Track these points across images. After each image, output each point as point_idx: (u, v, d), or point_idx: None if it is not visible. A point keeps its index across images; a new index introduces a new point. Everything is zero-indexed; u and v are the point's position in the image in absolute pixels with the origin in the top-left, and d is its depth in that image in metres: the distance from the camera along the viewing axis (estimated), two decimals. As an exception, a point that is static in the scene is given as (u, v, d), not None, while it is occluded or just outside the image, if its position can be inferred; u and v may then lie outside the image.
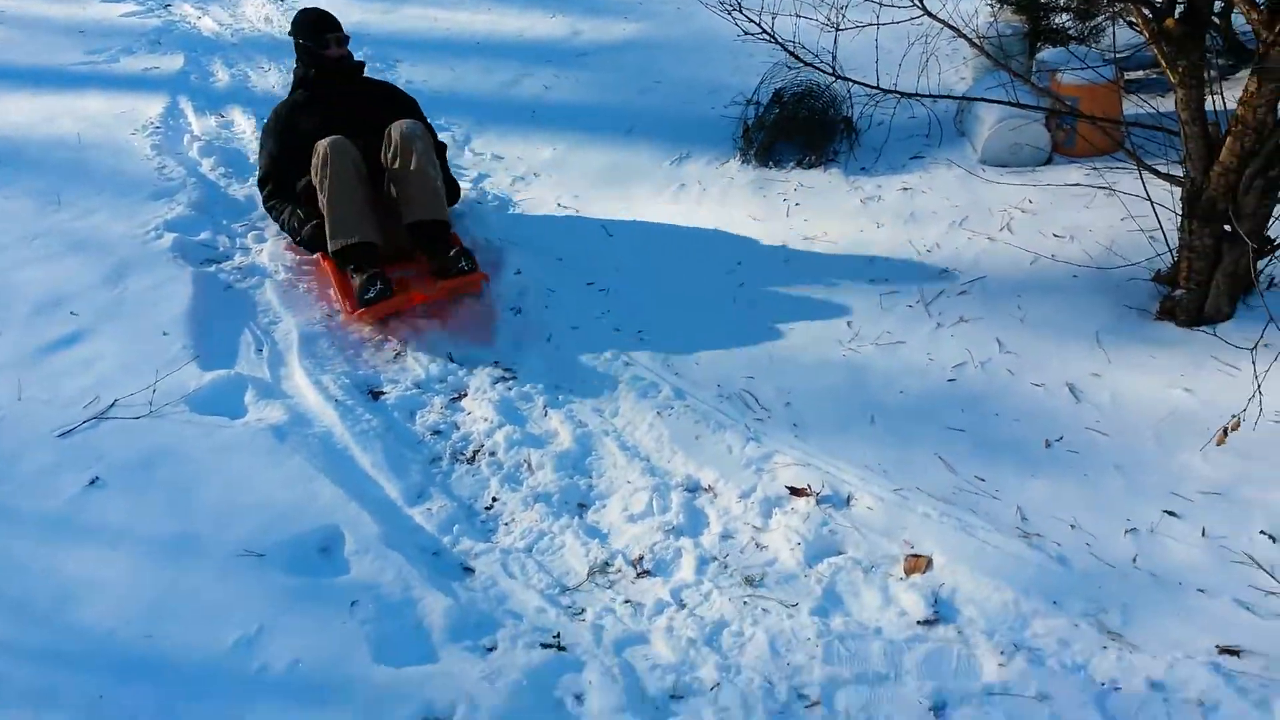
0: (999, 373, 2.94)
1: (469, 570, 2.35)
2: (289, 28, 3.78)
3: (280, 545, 2.34)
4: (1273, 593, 2.13)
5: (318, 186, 3.41)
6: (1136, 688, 1.93)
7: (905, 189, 4.00)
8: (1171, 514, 2.36)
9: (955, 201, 3.84)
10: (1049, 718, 1.89)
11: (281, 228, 3.68)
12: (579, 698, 1.97)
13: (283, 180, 3.64)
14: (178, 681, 2.00)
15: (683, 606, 2.23)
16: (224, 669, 2.02)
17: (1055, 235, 3.50)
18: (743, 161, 4.39)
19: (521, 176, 4.48)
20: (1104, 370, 2.87)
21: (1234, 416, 2.37)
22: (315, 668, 2.03)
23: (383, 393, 3.00)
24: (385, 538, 2.36)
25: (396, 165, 3.51)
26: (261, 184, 3.73)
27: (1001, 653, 2.03)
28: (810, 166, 4.30)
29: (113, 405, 2.83)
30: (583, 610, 2.22)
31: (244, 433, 2.72)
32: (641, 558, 2.37)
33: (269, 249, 3.76)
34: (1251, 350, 2.50)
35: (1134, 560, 2.24)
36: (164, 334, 3.17)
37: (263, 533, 2.36)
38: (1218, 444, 2.41)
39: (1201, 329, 2.95)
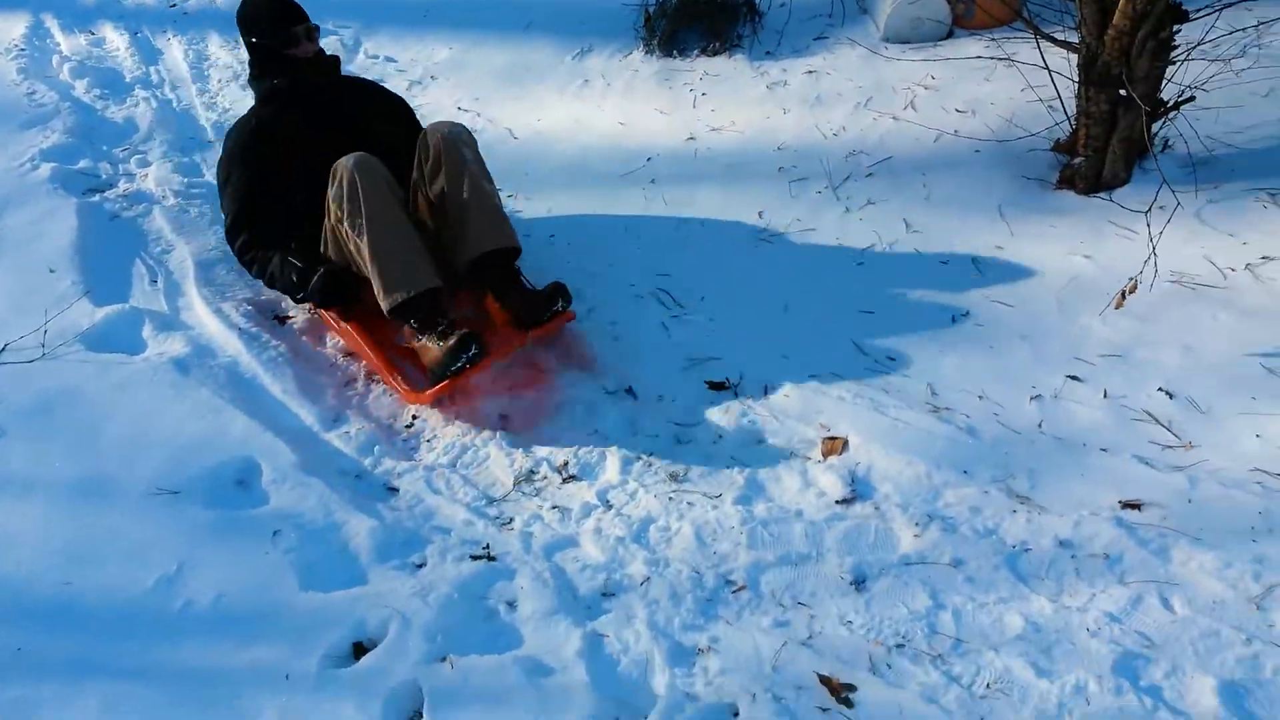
0: (906, 253, 2.98)
1: (393, 490, 2.33)
2: (237, 22, 2.85)
3: (194, 480, 2.28)
4: (1169, 446, 2.23)
5: (344, 225, 2.56)
6: (1045, 547, 2.03)
7: (810, 72, 3.95)
8: (1074, 378, 2.44)
9: (859, 82, 3.80)
10: (963, 582, 1.98)
11: (270, 283, 2.74)
12: (511, 604, 2.00)
13: (263, 221, 2.75)
14: (99, 627, 1.96)
15: (610, 507, 2.25)
16: (146, 609, 1.99)
17: (958, 110, 3.51)
18: (646, 52, 4.27)
19: (418, 80, 4.30)
20: (1007, 243, 2.92)
21: (1131, 279, 2.45)
22: (241, 600, 2.01)
23: (289, 317, 2.91)
24: (303, 465, 2.32)
25: (442, 184, 2.67)
26: (233, 231, 2.77)
27: (916, 524, 2.10)
28: (715, 54, 4.20)
29: (2, 350, 2.69)
30: (511, 520, 2.23)
31: (145, 368, 2.62)
32: (566, 463, 2.38)
33: (154, 173, 3.57)
34: (1146, 213, 2.57)
35: (1039, 426, 2.33)
36: (50, 271, 3.01)
37: (175, 469, 2.30)
38: (1116, 307, 2.49)
39: (1100, 195, 3.01)
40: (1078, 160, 3.07)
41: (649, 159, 3.63)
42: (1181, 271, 2.68)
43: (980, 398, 2.43)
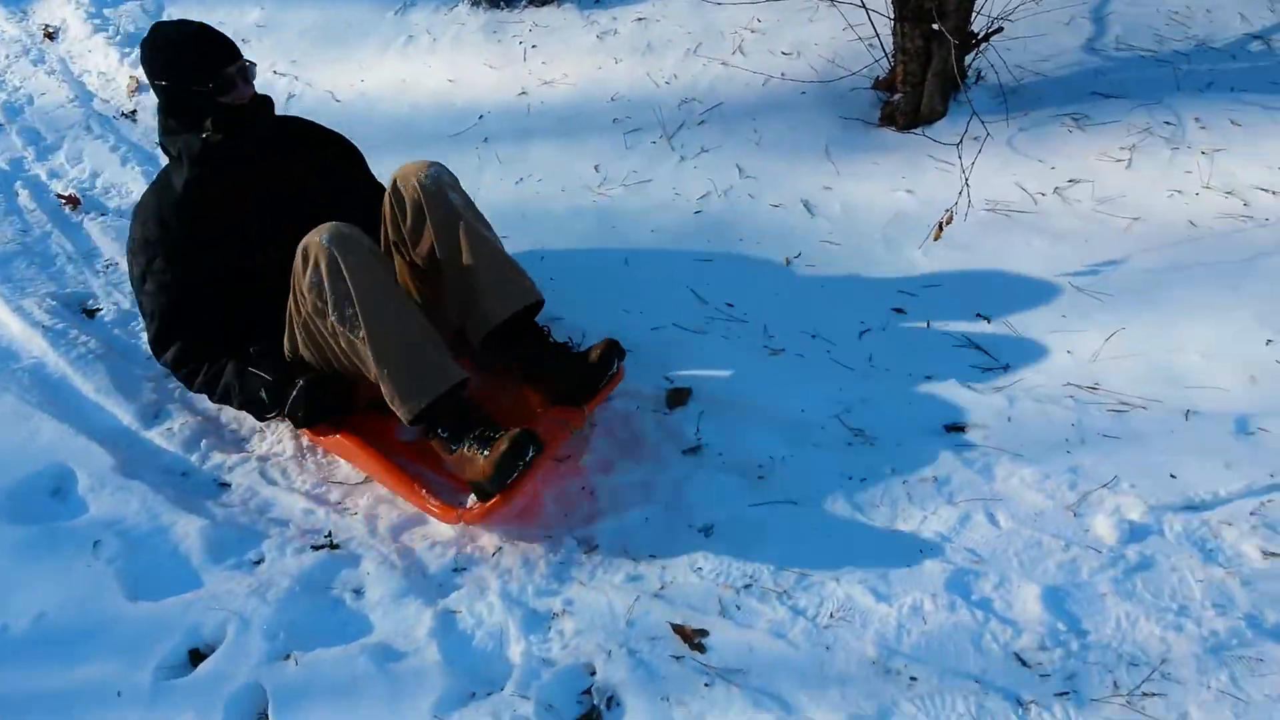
0: (740, 199, 3.01)
1: (224, 485, 2.22)
2: (142, 60, 2.20)
3: (3, 495, 2.12)
4: (988, 369, 2.34)
5: (328, 320, 2.02)
6: (879, 476, 2.10)
7: (640, 19, 3.90)
8: (899, 310, 2.53)
9: (689, 28, 3.79)
10: (804, 517, 2.03)
11: (222, 400, 2.22)
12: (358, 592, 1.94)
13: (203, 321, 2.21)
14: (-97, 666, 1.81)
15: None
16: (-43, 641, 1.85)
17: (784, 53, 3.54)
18: (472, 4, 4.13)
19: (228, 46, 4.05)
20: (834, 182, 2.99)
21: (946, 211, 2.54)
22: (64, 618, 1.88)
23: (98, 309, 2.72)
24: (122, 467, 2.18)
25: (430, 243, 2.17)
26: (163, 339, 2.22)
27: (760, 466, 2.15)
28: (544, 3, 4.10)
29: None
30: (354, 504, 2.17)
31: (-64, 380, 2.41)
32: (407, 437, 2.32)
33: (-67, 163, 3.26)
34: (957, 145, 2.66)
35: (870, 360, 2.40)
36: None
37: (-21, 486, 2.13)
38: (935, 239, 2.58)
39: (919, 130, 3.10)
40: (897, 97, 3.16)
41: (481, 117, 3.53)
42: (996, 200, 2.80)
43: (813, 336, 2.48)
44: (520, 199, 3.11)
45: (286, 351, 2.20)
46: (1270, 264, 2.49)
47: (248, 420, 2.36)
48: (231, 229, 2.20)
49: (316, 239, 2.00)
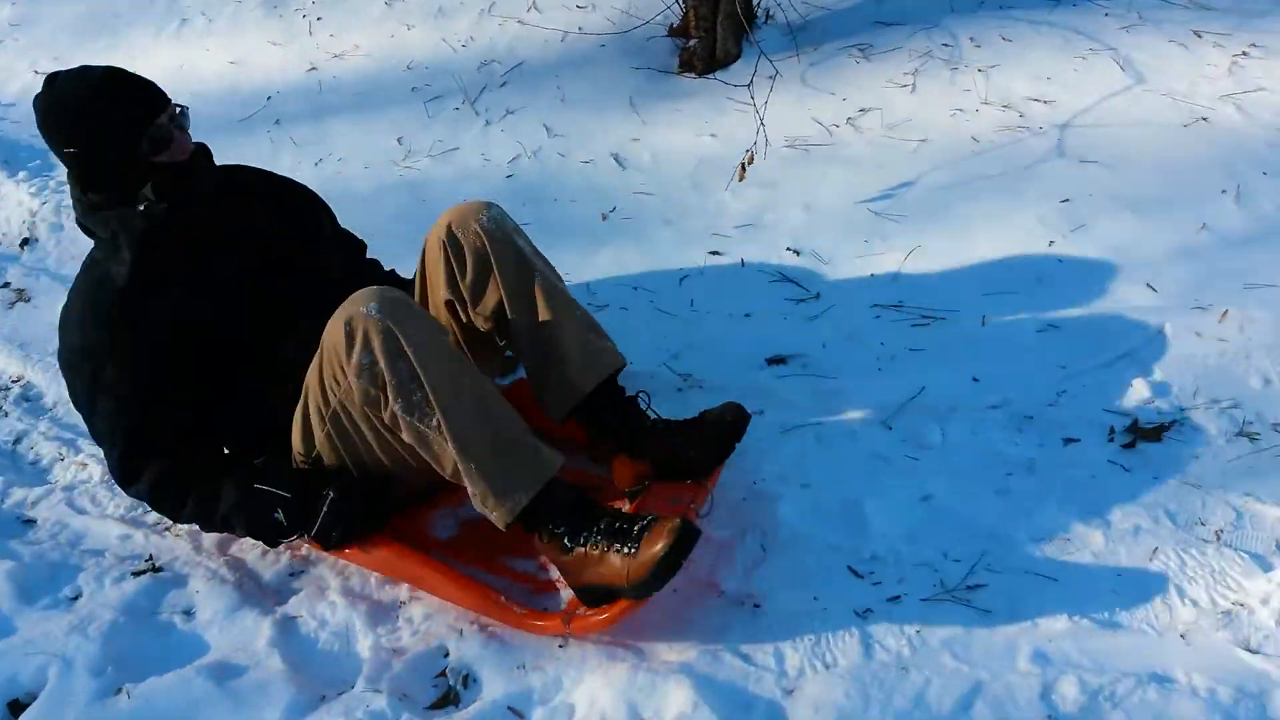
0: (551, 158, 2.98)
1: (29, 522, 2.06)
2: (42, 127, 1.72)
3: None
4: (801, 300, 2.42)
5: (388, 409, 1.63)
6: (711, 418, 2.14)
7: (427, -19, 3.78)
8: (715, 253, 2.58)
9: (479, -14, 3.70)
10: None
11: (223, 527, 1.82)
12: (188, 613, 1.84)
13: (179, 437, 1.79)
14: None
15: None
16: None
17: (579, 6, 3.52)
18: (246, -21, 3.91)
19: (-22, 46, 3.70)
20: (641, 133, 3.00)
21: (747, 151, 2.59)
22: None
23: None
24: (-95, 520, 2.00)
25: (499, 301, 1.83)
26: (130, 467, 1.78)
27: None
28: (324, -27, 3.92)
29: None
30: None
31: None
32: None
33: None
34: (748, 86, 2.71)
35: (691, 304, 2.44)
36: None
37: None
38: (739, 180, 2.63)
39: (716, 74, 3.15)
40: (692, 42, 3.19)
41: (269, 98, 3.36)
42: (795, 135, 2.88)
43: (635, 288, 2.50)
44: (321, 181, 2.93)
45: (298, 454, 1.81)
46: (1046, 170, 2.66)
47: (47, 449, 2.20)
48: (196, 314, 1.75)
49: (360, 310, 1.60)
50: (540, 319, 1.82)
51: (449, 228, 1.83)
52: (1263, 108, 2.78)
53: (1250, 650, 1.56)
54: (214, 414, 1.81)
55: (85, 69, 1.73)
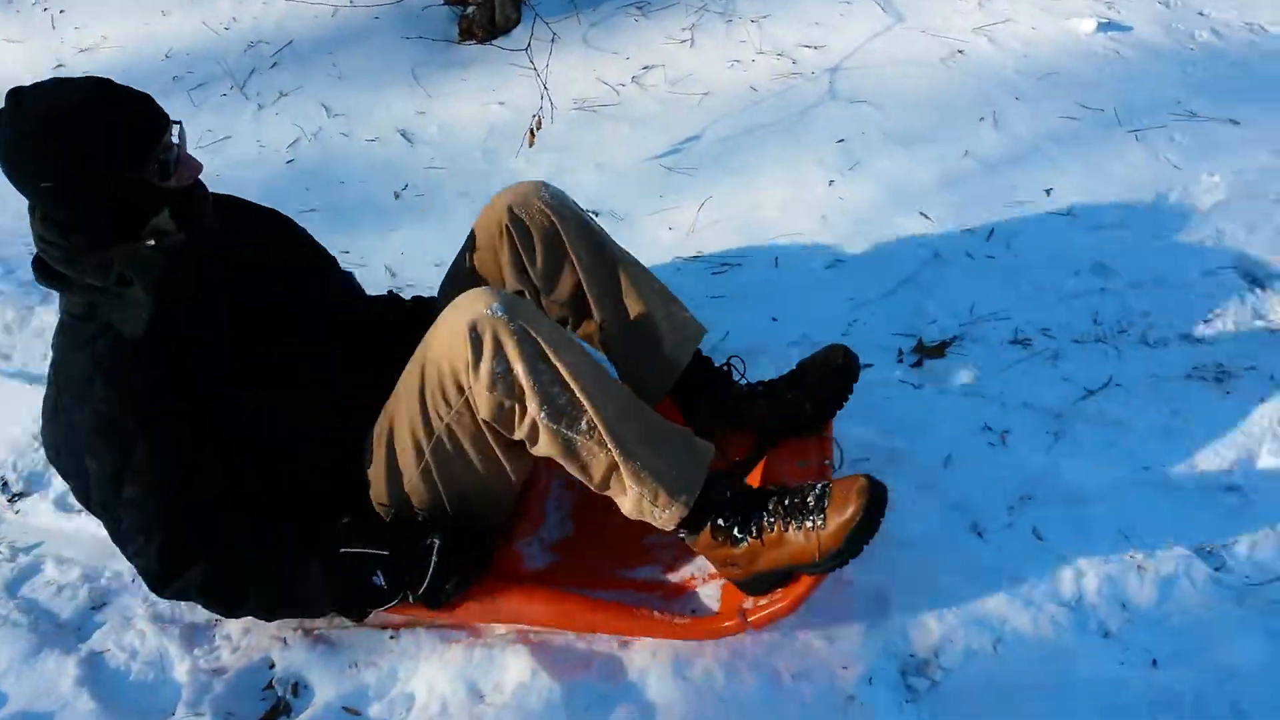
0: (334, 139, 2.87)
1: None
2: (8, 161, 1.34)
3: None
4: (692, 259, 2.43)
5: (529, 419, 1.43)
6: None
7: (179, -38, 3.54)
8: (514, 223, 2.55)
9: (237, -35, 3.49)
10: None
11: (304, 611, 1.62)
12: (-23, 666, 1.70)
13: (231, 516, 1.49)
14: None
15: (80, 511, 1.97)
16: None
17: (347, -22, 3.38)
18: (-32, -28, 3.54)
19: None
20: (427, 106, 2.93)
21: (534, 116, 2.57)
22: None
23: None
24: None
25: (586, 279, 1.70)
26: (174, 560, 1.46)
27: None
28: (59, -41, 3.60)
29: None
30: (-49, 570, 1.87)
31: None
32: (4, 481, 2.04)
33: None
34: (526, 50, 2.69)
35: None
36: None
37: None
38: (530, 145, 2.62)
39: (498, 41, 3.10)
40: (470, 10, 3.12)
41: (12, 101, 3.06)
42: (582, 97, 2.88)
43: (437, 265, 2.45)
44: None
45: (380, 504, 1.60)
46: (820, 113, 2.78)
47: None
48: (219, 359, 1.47)
49: (484, 313, 1.40)
50: (626, 298, 1.71)
51: (510, 210, 1.68)
52: (1011, 37, 3.00)
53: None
54: (254, 475, 1.53)
55: (61, 82, 1.38)
